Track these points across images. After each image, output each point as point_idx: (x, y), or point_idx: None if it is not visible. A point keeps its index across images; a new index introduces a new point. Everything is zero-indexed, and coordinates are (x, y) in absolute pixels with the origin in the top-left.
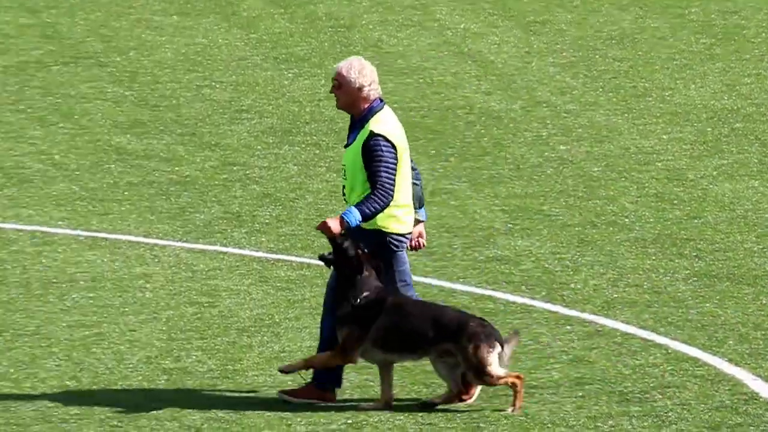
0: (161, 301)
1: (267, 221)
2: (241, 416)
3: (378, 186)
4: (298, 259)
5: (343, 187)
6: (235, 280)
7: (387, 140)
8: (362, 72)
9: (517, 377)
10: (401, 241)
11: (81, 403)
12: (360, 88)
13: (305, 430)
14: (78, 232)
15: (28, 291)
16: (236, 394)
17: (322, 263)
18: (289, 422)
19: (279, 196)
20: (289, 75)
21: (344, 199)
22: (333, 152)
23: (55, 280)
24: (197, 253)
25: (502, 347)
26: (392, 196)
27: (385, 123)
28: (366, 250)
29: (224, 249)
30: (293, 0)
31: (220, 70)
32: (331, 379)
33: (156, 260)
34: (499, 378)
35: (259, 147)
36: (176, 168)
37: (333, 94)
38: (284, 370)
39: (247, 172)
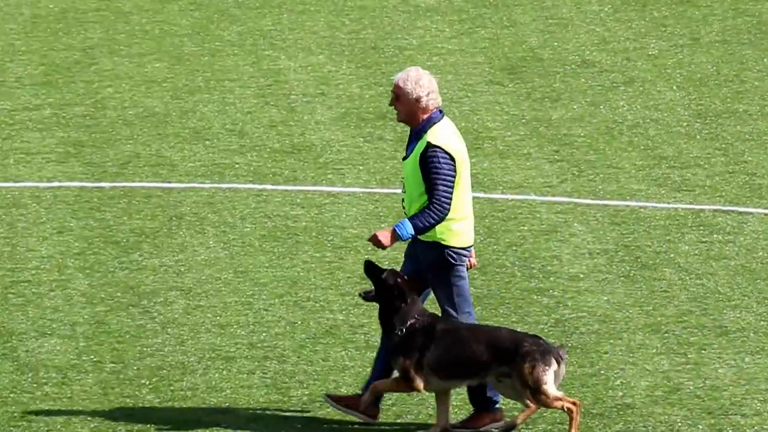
0: None
1: None
2: None
3: (434, 199)
4: None
5: (403, 200)
6: None
7: (444, 152)
8: (419, 82)
9: (574, 403)
10: (460, 254)
11: None
12: (418, 99)
13: None
14: None
15: None
16: None
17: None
18: None
19: None
20: None
21: (404, 212)
22: None
23: None
24: None
25: (559, 364)
26: (448, 210)
27: (443, 134)
28: (406, 277)
29: None
30: None
31: None
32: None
33: None
34: (556, 398)
35: None
36: None
37: (393, 107)
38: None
39: None
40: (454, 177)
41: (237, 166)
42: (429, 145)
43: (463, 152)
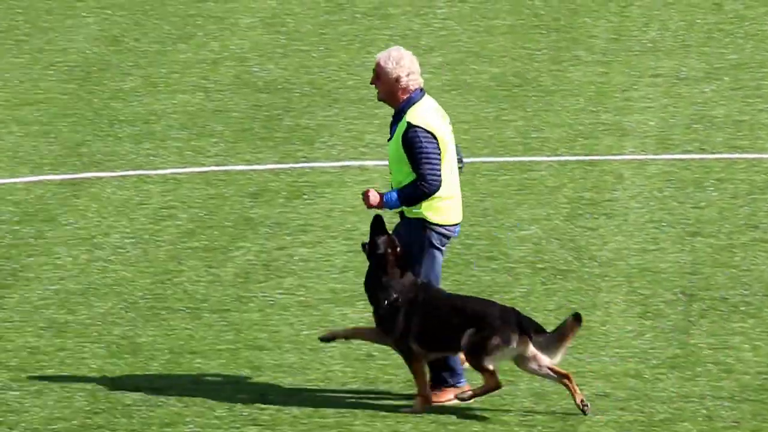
0: None
1: None
2: None
3: (420, 175)
4: None
5: (391, 183)
6: None
7: (425, 130)
8: (400, 62)
9: (497, 385)
10: (441, 234)
11: None
12: (397, 79)
13: None
14: None
15: None
16: None
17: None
18: None
19: None
20: None
21: None
22: None
23: None
24: None
25: (518, 344)
26: (438, 186)
27: (423, 113)
28: (398, 249)
29: None
30: None
31: None
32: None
33: None
34: (486, 369)
35: None
36: None
37: (373, 86)
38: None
39: None
40: (439, 154)
41: None
42: (409, 126)
43: (444, 130)
